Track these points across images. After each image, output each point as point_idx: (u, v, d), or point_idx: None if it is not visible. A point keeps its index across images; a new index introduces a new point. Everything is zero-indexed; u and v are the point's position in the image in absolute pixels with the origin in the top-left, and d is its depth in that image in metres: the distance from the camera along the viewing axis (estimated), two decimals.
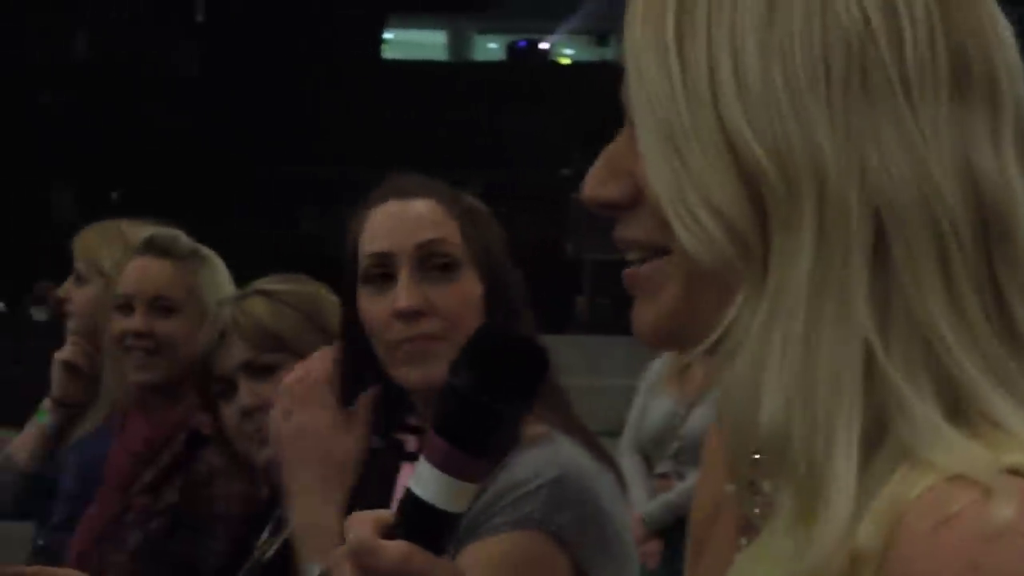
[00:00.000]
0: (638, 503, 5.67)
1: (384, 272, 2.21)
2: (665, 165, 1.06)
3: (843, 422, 0.99)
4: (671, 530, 5.58)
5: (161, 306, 3.29)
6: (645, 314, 1.13)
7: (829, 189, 1.01)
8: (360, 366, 2.26)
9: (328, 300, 2.73)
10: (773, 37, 1.04)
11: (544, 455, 2.11)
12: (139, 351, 3.28)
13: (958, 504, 0.94)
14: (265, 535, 2.73)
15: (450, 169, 2.63)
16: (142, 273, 3.32)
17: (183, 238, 3.37)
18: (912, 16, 1.03)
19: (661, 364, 5.83)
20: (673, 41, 1.07)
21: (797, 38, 1.03)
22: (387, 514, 1.27)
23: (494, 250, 2.25)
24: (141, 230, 3.54)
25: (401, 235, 2.21)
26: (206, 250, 3.39)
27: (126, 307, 3.31)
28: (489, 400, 1.24)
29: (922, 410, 0.99)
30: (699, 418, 5.56)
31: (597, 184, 1.14)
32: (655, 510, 5.66)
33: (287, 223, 21.66)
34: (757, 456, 1.07)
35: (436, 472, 1.24)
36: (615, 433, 5.87)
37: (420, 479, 1.25)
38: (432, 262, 2.20)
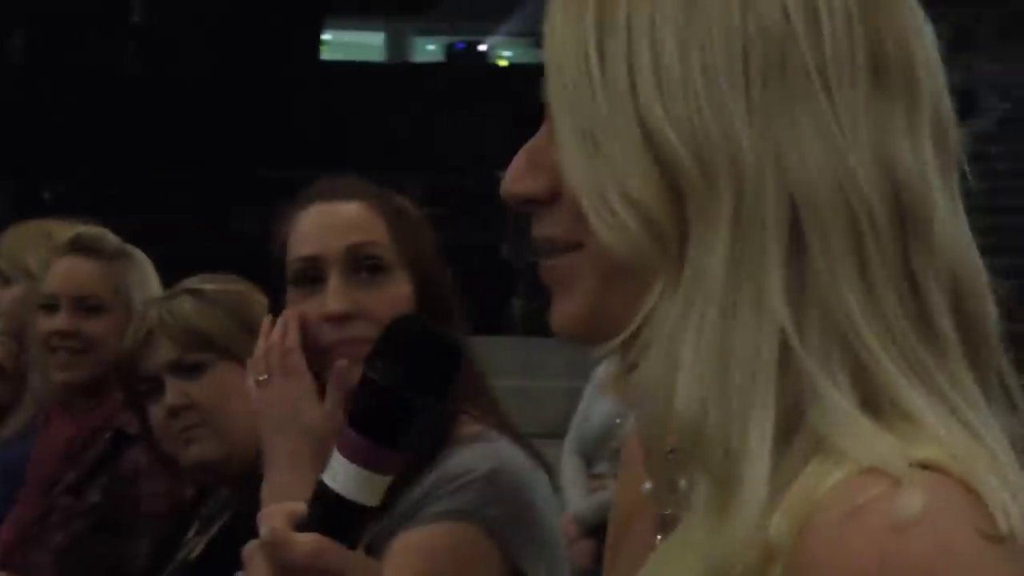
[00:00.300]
0: (574, 503, 5.68)
1: (313, 275, 2.20)
2: (583, 158, 1.06)
3: (758, 411, 0.99)
4: (604, 530, 5.57)
5: (87, 306, 3.26)
6: (562, 309, 1.13)
7: (746, 180, 1.01)
8: None
9: (257, 300, 2.73)
10: (691, 29, 1.04)
11: (480, 450, 2.14)
12: (64, 351, 3.25)
13: (867, 496, 0.94)
14: (191, 534, 2.72)
15: (387, 171, 2.63)
16: (68, 272, 3.30)
17: (109, 237, 3.34)
18: (831, 9, 1.04)
19: (605, 367, 5.82)
20: (593, 32, 1.07)
21: (716, 29, 1.03)
22: (300, 506, 1.26)
23: (424, 252, 2.25)
24: (68, 230, 3.50)
25: (330, 238, 2.20)
26: (133, 249, 3.37)
27: (51, 307, 3.27)
28: (401, 391, 1.24)
29: (837, 399, 0.99)
30: None
31: (516, 179, 1.14)
32: (587, 509, 5.67)
33: (221, 223, 21.58)
34: (672, 452, 1.07)
35: (348, 464, 1.24)
36: (551, 435, 5.87)
37: (333, 471, 1.25)
38: (361, 264, 2.20)
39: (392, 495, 2.10)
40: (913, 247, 1.03)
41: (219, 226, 20.93)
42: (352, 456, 1.24)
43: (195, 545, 2.69)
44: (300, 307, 2.21)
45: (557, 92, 1.09)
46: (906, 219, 1.03)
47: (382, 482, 1.26)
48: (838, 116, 1.02)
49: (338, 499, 1.25)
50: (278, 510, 1.26)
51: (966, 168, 1.10)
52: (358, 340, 2.16)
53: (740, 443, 0.99)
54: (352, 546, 1.26)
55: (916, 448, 0.97)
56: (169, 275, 3.32)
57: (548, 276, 1.14)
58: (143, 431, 2.83)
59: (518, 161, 1.14)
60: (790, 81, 1.02)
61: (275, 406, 2.19)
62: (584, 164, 1.06)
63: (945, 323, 1.03)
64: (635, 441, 1.32)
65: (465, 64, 30.77)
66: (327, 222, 2.23)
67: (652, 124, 1.03)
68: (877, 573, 0.92)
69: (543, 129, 1.13)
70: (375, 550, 2.11)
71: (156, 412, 2.74)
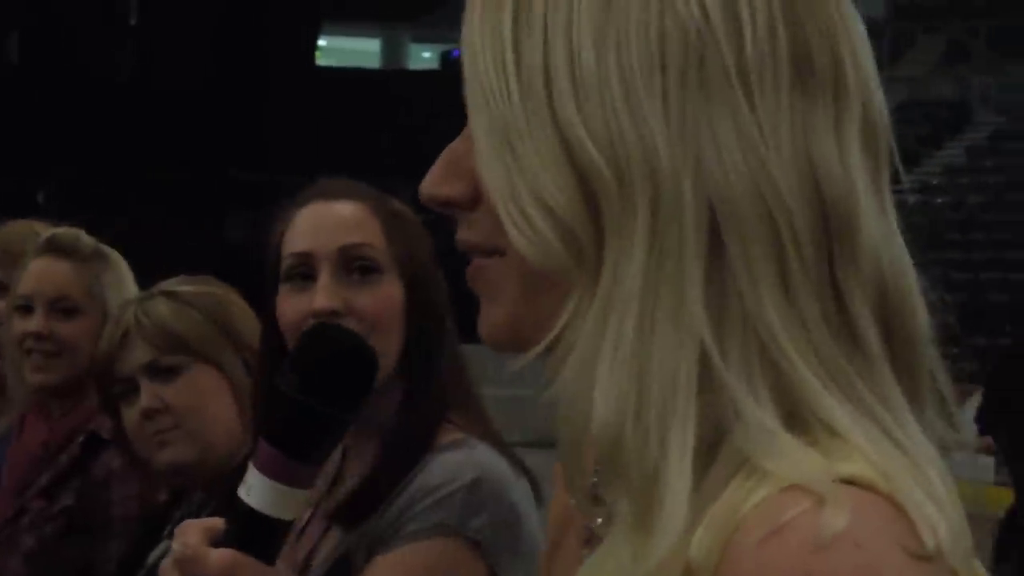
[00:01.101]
0: None
1: (304, 272, 2.20)
2: (498, 163, 1.03)
3: (677, 427, 0.96)
4: None
5: (61, 307, 3.24)
6: (487, 316, 1.10)
7: (662, 186, 0.98)
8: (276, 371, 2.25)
9: (234, 303, 2.72)
10: (609, 29, 1.00)
11: (460, 459, 2.11)
12: (38, 353, 3.22)
13: (790, 514, 0.91)
14: (164, 539, 2.70)
15: (382, 176, 2.62)
16: (42, 273, 3.26)
17: (84, 238, 3.31)
18: (752, 8, 1.00)
19: None
20: (510, 34, 1.04)
21: (633, 30, 1.00)
22: (218, 521, 1.24)
23: (418, 255, 2.24)
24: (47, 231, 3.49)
25: (324, 236, 2.20)
26: (109, 250, 3.34)
27: (25, 308, 3.25)
28: (314, 403, 1.21)
29: (758, 416, 0.96)
30: None
31: (435, 183, 1.10)
32: None
33: (213, 228, 21.55)
34: (595, 468, 1.04)
35: (263, 478, 1.22)
36: (537, 444, 5.84)
37: (248, 485, 1.23)
38: (353, 265, 2.19)
39: (370, 505, 2.09)
40: (837, 256, 0.99)
41: (209, 230, 20.91)
42: (267, 471, 1.22)
43: (168, 549, 2.67)
44: (288, 303, 2.20)
45: (473, 92, 1.06)
46: (830, 227, 0.99)
47: (299, 496, 1.24)
48: (759, 120, 0.99)
49: (252, 513, 1.23)
50: (194, 525, 1.24)
51: (899, 170, 1.06)
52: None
53: (659, 461, 0.96)
54: (269, 561, 1.24)
55: (841, 464, 0.94)
56: (158, 277, 3.30)
57: (473, 281, 1.11)
58: (116, 433, 2.80)
59: (438, 164, 1.11)
60: (709, 83, 0.99)
61: None
62: (499, 168, 1.03)
63: (871, 334, 1.00)
64: None
65: (460, 71, 30.82)
66: (322, 221, 2.22)
67: (568, 128, 1.00)
68: None
69: (465, 132, 1.09)
70: (353, 567, 2.09)
71: (130, 414, 2.71)
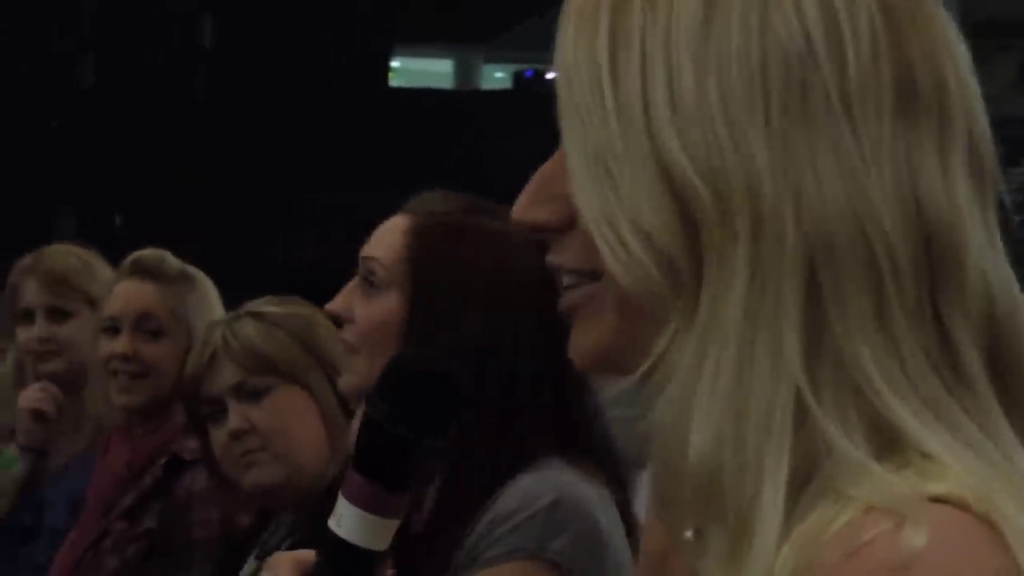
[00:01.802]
0: None
1: (362, 274, 2.24)
2: (594, 187, 1.01)
3: (772, 461, 0.94)
4: None
5: (146, 329, 3.26)
6: (581, 341, 1.08)
7: (764, 215, 0.96)
8: None
9: (321, 323, 2.70)
10: (709, 53, 0.98)
11: (538, 480, 2.08)
12: (124, 374, 3.24)
13: (870, 535, 0.89)
14: (251, 561, 2.71)
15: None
16: (128, 295, 3.29)
17: (170, 259, 3.34)
18: (855, 31, 0.98)
19: None
20: (606, 58, 1.02)
21: (734, 54, 0.98)
22: (309, 554, 1.23)
23: (436, 275, 2.19)
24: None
25: (369, 246, 2.23)
26: (194, 271, 3.36)
27: (112, 329, 3.27)
28: (404, 431, 1.21)
29: (849, 451, 0.94)
30: None
31: (527, 207, 1.09)
32: None
33: (287, 248, 21.63)
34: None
35: (354, 509, 1.22)
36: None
37: (338, 516, 1.23)
38: (366, 276, 2.21)
39: (457, 526, 2.07)
40: (941, 289, 0.97)
41: (281, 250, 20.99)
42: (353, 499, 1.22)
43: (255, 571, 2.67)
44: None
45: (568, 115, 1.04)
46: (933, 259, 0.97)
47: (391, 526, 1.23)
48: (861, 147, 0.97)
49: (343, 544, 1.23)
50: (285, 558, 1.23)
51: (1005, 198, 1.04)
52: (345, 343, 2.22)
53: (754, 496, 0.94)
54: None
55: (933, 484, 0.92)
56: (231, 297, 3.31)
57: (567, 305, 1.08)
58: (204, 454, 2.81)
59: (529, 187, 1.09)
60: (811, 109, 0.97)
61: None
62: (596, 195, 1.01)
63: (977, 368, 0.97)
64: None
65: (533, 91, 30.79)
66: (379, 231, 2.25)
67: (667, 153, 0.98)
68: None
69: (556, 154, 1.08)
70: None
71: (218, 435, 2.71)
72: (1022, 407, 0.99)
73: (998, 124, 1.04)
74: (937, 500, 0.91)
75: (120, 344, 3.25)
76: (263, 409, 2.67)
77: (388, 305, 2.18)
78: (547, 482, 2.08)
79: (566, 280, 1.08)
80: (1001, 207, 1.03)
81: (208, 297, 3.35)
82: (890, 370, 0.95)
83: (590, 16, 1.04)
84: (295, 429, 2.67)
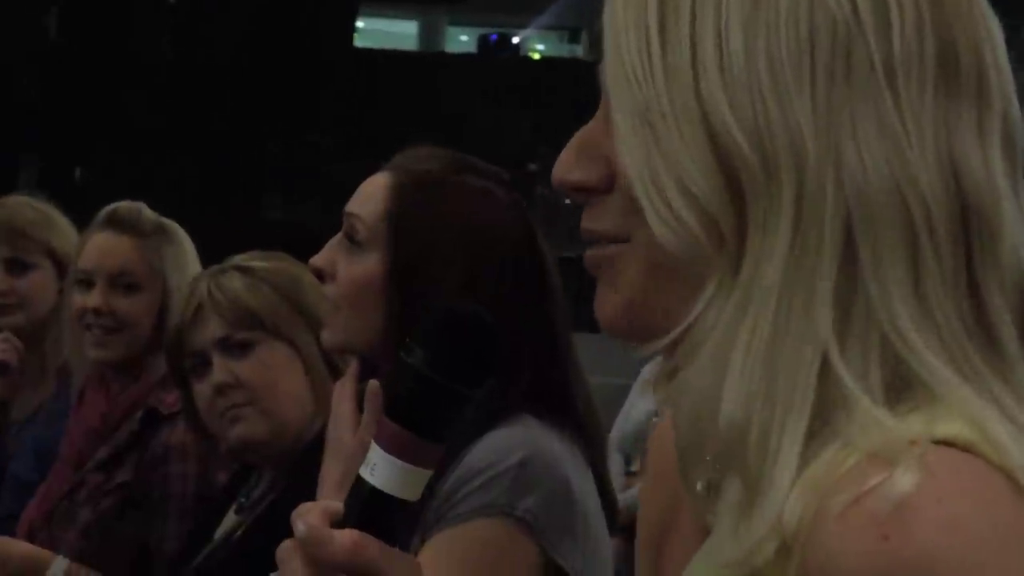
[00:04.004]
0: None
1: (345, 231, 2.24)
2: (639, 146, 1.02)
3: (794, 419, 0.97)
4: (633, 528, 5.55)
5: (122, 283, 3.25)
6: (607, 301, 1.10)
7: (807, 179, 0.98)
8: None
9: (306, 279, 2.67)
10: (759, 18, 1.01)
11: (509, 436, 2.07)
12: (98, 328, 3.23)
13: (870, 482, 0.92)
14: (230, 515, 2.70)
15: None
16: (103, 249, 3.27)
17: (147, 212, 3.30)
18: (901, 5, 1.01)
19: (652, 366, 5.84)
20: (655, 19, 1.04)
21: (783, 20, 1.00)
22: (336, 504, 1.21)
23: (417, 232, 2.18)
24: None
25: (352, 203, 2.23)
26: (170, 224, 3.33)
27: (85, 283, 3.26)
28: (443, 379, 1.18)
29: (862, 399, 0.97)
30: None
31: (569, 167, 1.10)
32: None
33: (249, 208, 21.55)
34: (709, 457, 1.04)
35: (387, 457, 1.19)
36: None
37: (371, 465, 1.20)
38: (349, 234, 2.21)
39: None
40: (977, 256, 1.00)
41: (246, 209, 20.93)
42: (393, 450, 1.19)
43: (236, 526, 2.66)
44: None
45: (615, 74, 1.05)
46: (971, 227, 1.00)
47: (423, 476, 1.20)
48: (903, 116, 0.99)
49: (375, 493, 1.20)
50: (313, 507, 1.20)
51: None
52: (328, 299, 2.22)
53: (774, 453, 0.97)
54: (392, 543, 1.20)
55: (940, 426, 0.95)
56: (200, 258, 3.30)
57: (592, 264, 1.10)
58: (185, 408, 2.80)
59: (571, 148, 1.11)
60: (855, 77, 0.99)
61: None
62: (641, 153, 1.02)
63: (1008, 334, 1.00)
64: (665, 442, 1.29)
65: (497, 56, 30.69)
66: (362, 187, 2.24)
67: (714, 114, 1.00)
68: (882, 558, 0.90)
69: (599, 114, 1.10)
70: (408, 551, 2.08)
71: (202, 389, 2.70)
72: None
73: None
74: (943, 443, 0.94)
75: (93, 298, 3.22)
76: (248, 364, 2.66)
77: (369, 264, 2.17)
78: (517, 439, 2.07)
79: (595, 243, 1.10)
80: None
81: (184, 251, 3.31)
82: (924, 329, 0.98)
83: None
84: (280, 384, 2.66)
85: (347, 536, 1.17)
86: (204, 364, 2.70)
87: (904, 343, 0.97)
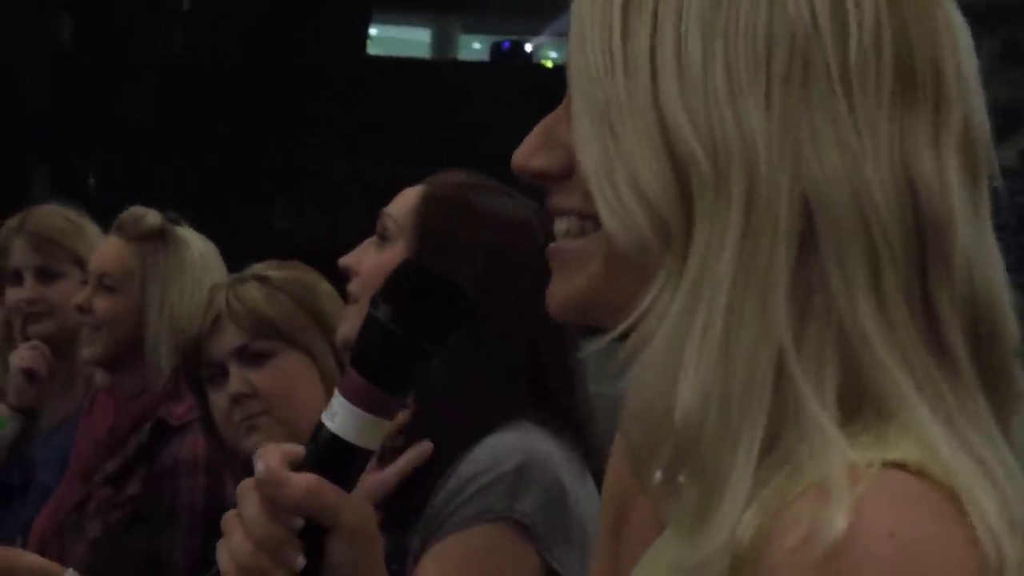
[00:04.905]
0: None
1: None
2: (595, 139, 1.05)
3: (749, 424, 0.97)
4: None
5: (104, 284, 3.29)
6: (560, 288, 1.12)
7: (758, 180, 0.99)
8: None
9: (323, 288, 2.74)
10: (718, 22, 1.02)
11: (506, 441, 2.11)
12: (85, 327, 3.30)
13: (817, 518, 0.91)
14: None
15: (428, 166, 2.61)
16: (99, 251, 3.36)
17: (149, 219, 3.33)
18: (860, 14, 1.01)
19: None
20: (619, 16, 1.05)
21: (742, 25, 1.01)
22: (298, 448, 1.26)
23: (443, 225, 2.26)
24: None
25: (388, 207, 2.31)
26: (178, 232, 3.35)
27: (85, 283, 3.36)
28: (405, 333, 1.23)
29: (816, 412, 0.96)
30: None
31: (529, 153, 1.13)
32: None
33: (261, 216, 21.64)
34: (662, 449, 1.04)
35: (348, 405, 1.24)
36: None
37: (333, 412, 1.25)
38: (381, 232, 2.28)
39: (424, 488, 2.08)
40: (931, 266, 1.00)
41: (256, 216, 20.99)
42: (354, 398, 1.24)
43: None
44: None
45: (577, 68, 1.07)
46: (925, 240, 1.00)
47: (382, 426, 1.26)
48: (858, 124, 1.00)
49: (335, 439, 1.25)
50: (274, 449, 1.26)
51: (997, 186, 1.07)
52: (349, 294, 2.30)
53: (729, 457, 0.97)
54: (348, 489, 1.26)
55: (891, 450, 0.95)
56: None
57: (555, 255, 1.13)
58: (201, 419, 2.79)
59: (534, 135, 1.13)
60: (812, 83, 1.00)
61: None
62: (596, 147, 1.04)
63: (960, 346, 1.00)
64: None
65: (510, 63, 30.77)
66: (399, 195, 2.32)
67: (669, 113, 1.02)
68: None
69: (562, 105, 1.12)
70: (404, 554, 2.09)
71: (218, 399, 2.70)
72: (996, 388, 1.02)
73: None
74: (894, 466, 0.94)
75: (81, 296, 3.30)
76: (265, 373, 2.66)
77: (393, 252, 2.22)
78: (515, 444, 2.10)
79: (564, 225, 1.12)
80: (995, 195, 1.07)
81: (183, 259, 3.32)
82: (886, 336, 0.98)
83: None
84: (297, 393, 2.66)
85: (304, 479, 1.23)
86: (221, 374, 2.69)
87: (863, 341, 0.98)
